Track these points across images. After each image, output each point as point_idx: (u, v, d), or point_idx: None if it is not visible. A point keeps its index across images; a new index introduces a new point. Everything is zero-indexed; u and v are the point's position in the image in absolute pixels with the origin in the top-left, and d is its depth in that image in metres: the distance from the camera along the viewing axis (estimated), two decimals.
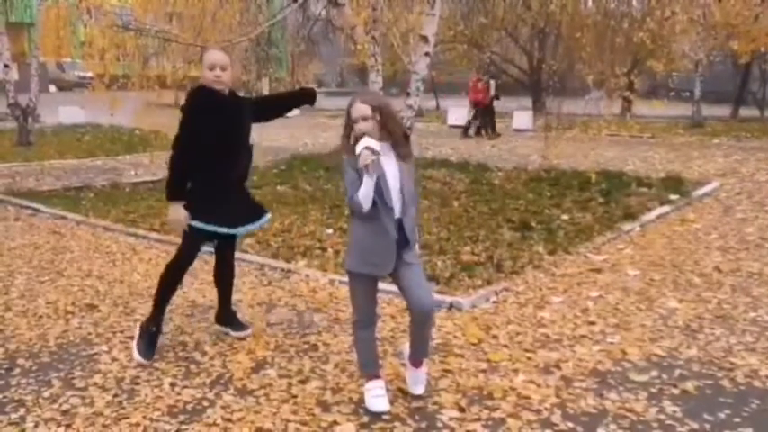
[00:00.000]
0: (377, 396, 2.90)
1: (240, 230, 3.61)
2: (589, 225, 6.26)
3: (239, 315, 3.85)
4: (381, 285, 4.23)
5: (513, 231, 6.01)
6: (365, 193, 2.67)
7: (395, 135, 2.79)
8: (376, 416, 2.85)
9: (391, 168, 2.78)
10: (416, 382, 3.04)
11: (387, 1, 9.01)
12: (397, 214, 2.78)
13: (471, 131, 15.74)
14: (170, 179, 3.44)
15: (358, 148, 2.65)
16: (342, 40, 19.89)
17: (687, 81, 18.35)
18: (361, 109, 2.73)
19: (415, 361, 3.01)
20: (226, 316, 3.78)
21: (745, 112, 20.23)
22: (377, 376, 2.97)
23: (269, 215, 3.73)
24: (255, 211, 3.64)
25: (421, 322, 2.87)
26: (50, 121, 17.28)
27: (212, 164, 3.38)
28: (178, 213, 3.42)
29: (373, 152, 2.62)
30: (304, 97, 3.75)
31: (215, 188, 3.43)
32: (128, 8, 14.10)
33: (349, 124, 2.78)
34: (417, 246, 2.97)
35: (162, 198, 8.07)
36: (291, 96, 4.00)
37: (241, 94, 4.01)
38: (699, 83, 17.60)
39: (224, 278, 3.76)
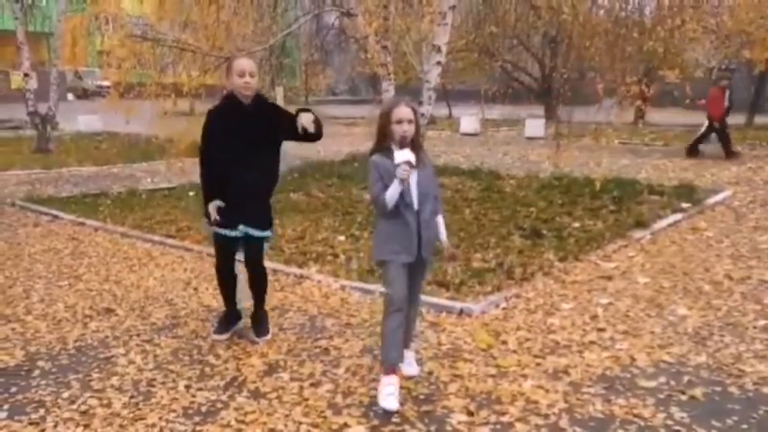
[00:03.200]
0: (390, 395, 2.98)
1: (235, 233, 3.66)
2: (600, 232, 6.27)
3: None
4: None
5: (524, 238, 6.05)
6: (391, 196, 2.92)
7: (417, 138, 3.01)
8: (386, 418, 2.90)
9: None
10: (411, 363, 3.33)
11: (399, 10, 9.11)
12: (416, 207, 3.00)
13: (704, 147, 12.63)
14: (201, 182, 3.73)
15: (397, 158, 2.86)
16: (354, 49, 20.05)
17: (700, 89, 18.24)
18: (408, 112, 2.95)
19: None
20: (251, 317, 3.90)
21: (760, 119, 20.06)
22: (395, 371, 3.05)
23: (268, 233, 3.75)
24: (260, 222, 3.68)
25: (413, 318, 3.29)
26: (69, 129, 17.59)
27: (226, 169, 3.55)
28: (204, 219, 3.69)
29: (411, 166, 2.86)
30: (308, 136, 3.56)
31: (229, 193, 3.57)
32: (144, 18, 14.35)
33: (386, 125, 2.96)
34: (443, 236, 3.20)
35: (178, 204, 8.22)
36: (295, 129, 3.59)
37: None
38: None
39: (250, 282, 3.86)
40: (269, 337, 3.81)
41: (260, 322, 3.85)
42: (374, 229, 3.24)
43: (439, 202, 3.17)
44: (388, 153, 2.94)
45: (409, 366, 3.31)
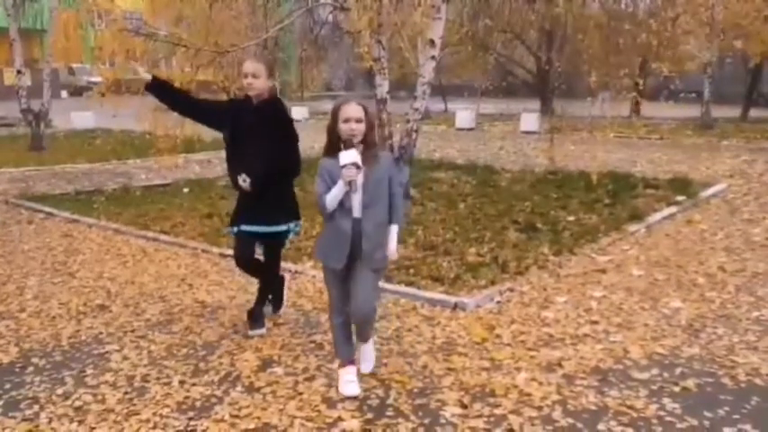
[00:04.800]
0: (350, 381, 3.06)
1: (234, 230, 3.74)
2: (595, 226, 6.29)
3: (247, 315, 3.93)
4: (387, 285, 4.32)
5: (519, 232, 6.06)
6: (333, 198, 2.86)
7: (369, 139, 2.89)
8: (380, 412, 2.91)
9: None
10: (364, 358, 3.26)
11: (393, 4, 9.07)
12: (356, 214, 2.90)
13: None
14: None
15: (342, 159, 2.75)
16: (349, 43, 20.01)
17: (695, 82, 18.29)
18: (358, 110, 2.84)
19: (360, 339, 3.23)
20: (248, 311, 3.91)
21: (755, 113, 20.11)
22: (351, 362, 3.11)
23: (286, 226, 3.74)
24: (271, 217, 3.68)
25: (357, 322, 3.09)
26: (62, 126, 17.51)
27: (232, 166, 3.69)
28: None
29: (357, 167, 2.75)
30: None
31: (238, 190, 3.70)
32: (138, 13, 14.28)
33: (335, 124, 2.86)
34: (392, 246, 3.02)
35: (172, 201, 8.20)
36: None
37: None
38: (707, 84, 17.52)
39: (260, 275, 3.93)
40: (263, 331, 3.81)
41: (254, 317, 3.85)
42: None
43: (398, 208, 2.99)
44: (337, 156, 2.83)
45: (364, 363, 3.25)
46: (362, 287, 2.97)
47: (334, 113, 2.86)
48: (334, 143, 2.88)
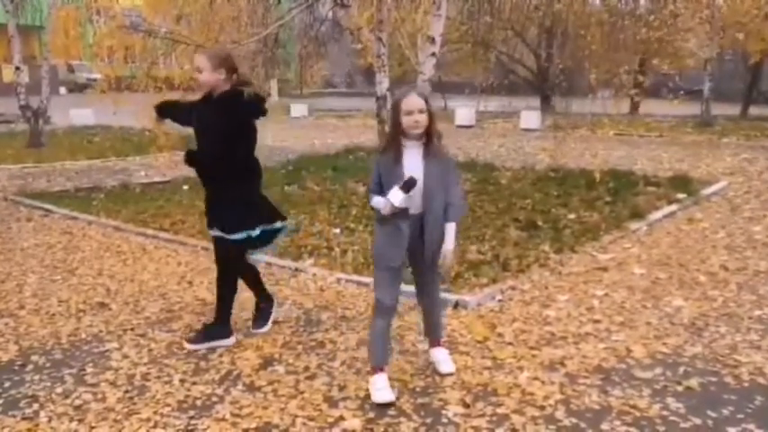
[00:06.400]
0: (381, 389, 2.98)
1: (211, 233, 3.67)
2: (596, 224, 6.27)
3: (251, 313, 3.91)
4: None
5: (520, 230, 6.03)
6: (376, 204, 2.88)
7: (431, 130, 2.85)
8: (382, 411, 2.89)
9: (415, 166, 2.83)
10: (439, 360, 3.27)
11: (393, 1, 9.03)
12: (415, 210, 2.87)
13: None
14: None
15: (391, 197, 2.78)
16: (349, 40, 19.97)
17: (695, 80, 18.27)
18: (419, 102, 2.78)
19: (432, 341, 3.33)
20: (255, 306, 3.88)
21: (755, 110, 20.10)
22: (382, 369, 3.04)
23: (240, 235, 3.48)
24: (226, 222, 3.51)
25: (426, 313, 3.26)
26: (61, 123, 17.46)
27: None
28: None
29: (393, 208, 2.79)
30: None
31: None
32: (137, 10, 14.22)
33: (398, 117, 2.80)
34: (449, 245, 2.94)
35: (171, 198, 8.17)
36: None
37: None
38: (708, 81, 17.49)
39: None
40: (265, 329, 3.79)
41: (260, 312, 3.84)
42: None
43: (456, 207, 2.94)
44: (396, 152, 2.83)
45: (439, 364, 3.25)
46: (432, 284, 3.13)
47: (396, 106, 2.82)
48: (397, 137, 2.84)
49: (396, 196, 2.79)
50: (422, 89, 2.95)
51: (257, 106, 3.48)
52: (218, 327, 3.66)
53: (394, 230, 2.89)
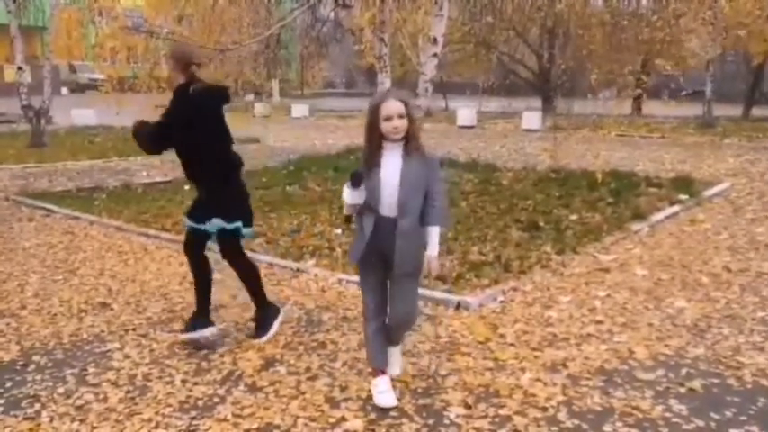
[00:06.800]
0: (383, 392, 2.95)
1: (187, 223, 3.69)
2: (598, 225, 6.26)
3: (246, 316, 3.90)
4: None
5: (522, 231, 6.03)
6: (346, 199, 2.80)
7: (411, 133, 2.73)
8: (383, 412, 2.88)
9: (392, 165, 2.73)
10: (391, 362, 3.11)
11: (395, 2, 9.04)
12: (389, 213, 2.75)
13: None
14: None
15: (347, 197, 2.76)
16: (351, 41, 19.97)
17: (697, 80, 18.26)
18: (398, 106, 2.68)
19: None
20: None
21: (757, 111, 20.07)
22: (383, 371, 3.01)
23: (219, 222, 3.53)
24: (204, 213, 3.57)
25: (395, 328, 3.04)
26: (63, 123, 17.48)
27: None
28: None
29: (350, 206, 2.78)
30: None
31: None
32: (138, 10, 14.25)
33: (376, 122, 2.69)
34: (433, 250, 2.83)
35: (173, 198, 8.17)
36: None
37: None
38: (710, 82, 17.48)
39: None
40: (264, 340, 3.69)
41: (259, 318, 3.77)
42: None
43: (440, 210, 2.79)
44: (375, 156, 2.72)
45: (391, 366, 3.11)
46: (401, 293, 2.88)
47: (374, 112, 2.69)
48: (376, 143, 2.72)
49: (346, 193, 2.75)
50: (400, 93, 2.83)
51: (210, 93, 3.55)
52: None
53: (359, 228, 2.85)
